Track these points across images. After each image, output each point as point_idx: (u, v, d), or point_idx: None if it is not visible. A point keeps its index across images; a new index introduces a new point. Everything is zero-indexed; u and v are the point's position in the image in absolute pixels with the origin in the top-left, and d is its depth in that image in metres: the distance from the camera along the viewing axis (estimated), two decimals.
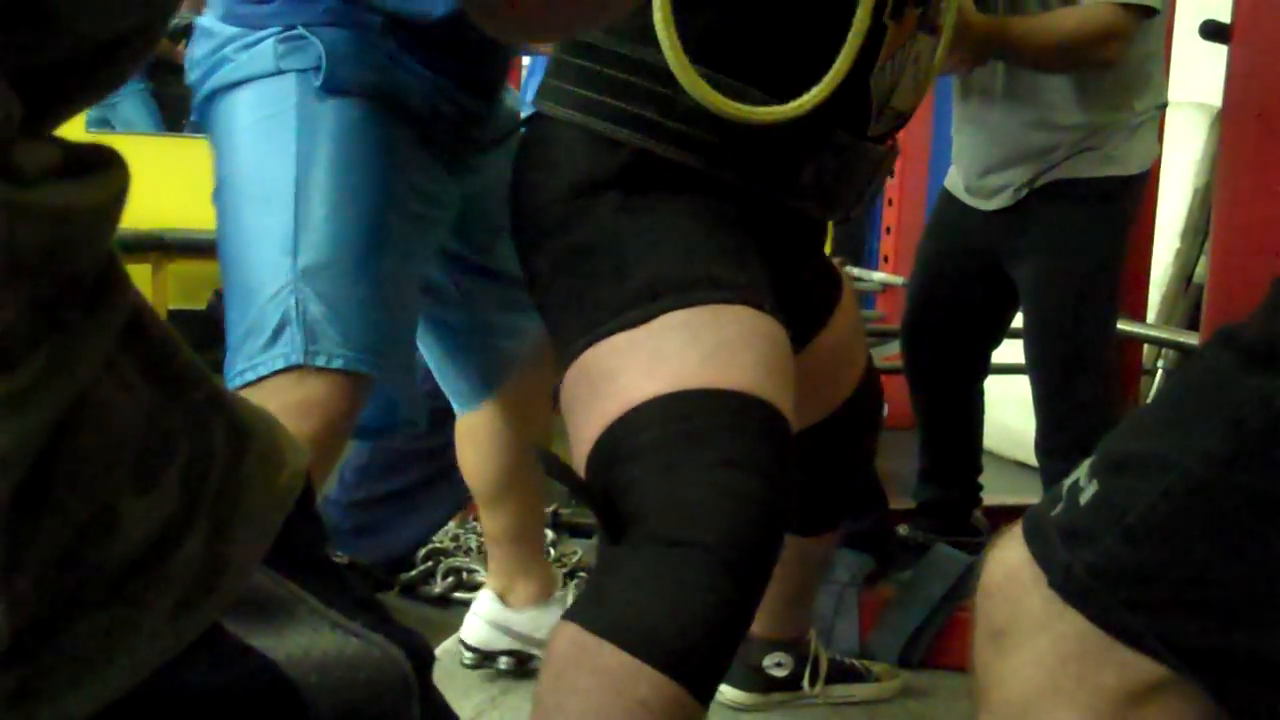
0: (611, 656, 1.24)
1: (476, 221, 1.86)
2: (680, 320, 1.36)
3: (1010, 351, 2.95)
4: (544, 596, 2.24)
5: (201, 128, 1.70)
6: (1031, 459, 2.71)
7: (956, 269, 2.69)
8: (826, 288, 1.80)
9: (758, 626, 2.12)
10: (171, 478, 0.45)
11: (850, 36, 1.40)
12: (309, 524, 0.55)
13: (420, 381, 1.93)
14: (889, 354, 3.34)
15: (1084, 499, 0.86)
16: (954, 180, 2.72)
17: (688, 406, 1.32)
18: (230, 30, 1.64)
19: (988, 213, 2.59)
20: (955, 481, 2.84)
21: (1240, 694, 0.82)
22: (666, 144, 1.46)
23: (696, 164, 1.46)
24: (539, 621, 2.20)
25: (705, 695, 1.28)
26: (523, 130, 1.59)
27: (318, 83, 1.58)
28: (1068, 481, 0.89)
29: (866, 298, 4.63)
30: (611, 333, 1.37)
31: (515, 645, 2.24)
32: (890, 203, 4.41)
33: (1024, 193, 2.52)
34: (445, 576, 2.64)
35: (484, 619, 2.24)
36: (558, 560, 2.73)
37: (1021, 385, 3.90)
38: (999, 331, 2.85)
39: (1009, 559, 0.91)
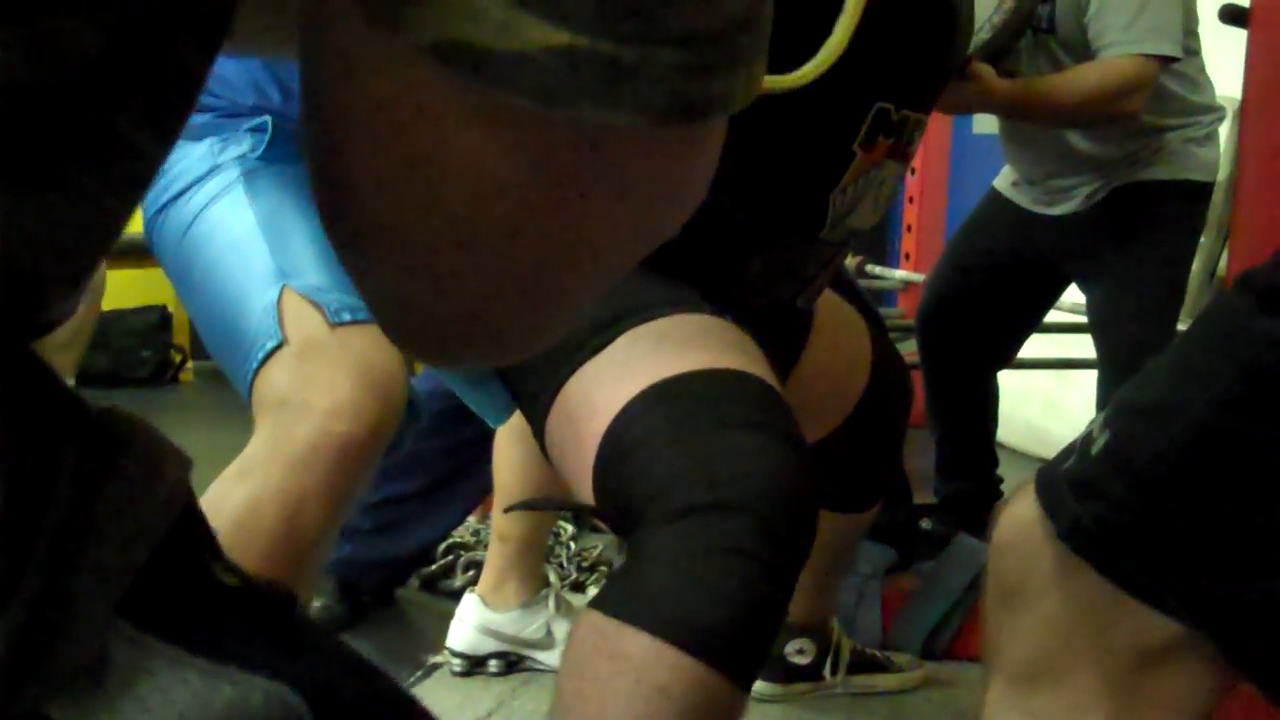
0: (630, 640, 1.16)
1: None
2: (641, 332, 1.33)
3: (1032, 348, 2.94)
4: (529, 597, 2.23)
5: (152, 245, 1.68)
6: (1052, 455, 2.69)
7: (990, 266, 2.68)
8: (790, 331, 1.74)
9: None
10: None
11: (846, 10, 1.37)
12: (188, 545, 0.47)
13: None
14: (910, 351, 3.34)
15: (1095, 449, 0.84)
16: (1006, 182, 2.71)
17: (676, 389, 1.27)
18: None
19: (1048, 216, 2.59)
20: (973, 474, 2.84)
21: (1253, 649, 0.80)
22: None
23: None
24: (523, 622, 2.21)
25: (741, 675, 1.18)
26: None
27: (257, 155, 1.60)
28: (1082, 434, 0.87)
29: (888, 295, 4.62)
30: (578, 366, 1.34)
31: (503, 647, 2.24)
32: (911, 200, 4.40)
33: (1098, 197, 2.52)
34: (465, 570, 2.64)
35: (468, 623, 2.24)
36: (578, 555, 2.73)
37: (1042, 380, 3.89)
38: (1025, 331, 2.85)
39: (1021, 515, 0.88)
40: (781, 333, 1.63)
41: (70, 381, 3.17)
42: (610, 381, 1.31)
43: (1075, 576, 0.84)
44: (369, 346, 1.44)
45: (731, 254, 1.49)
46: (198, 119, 1.65)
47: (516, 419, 2.09)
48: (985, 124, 3.01)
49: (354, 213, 0.42)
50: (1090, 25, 2.37)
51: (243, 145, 1.62)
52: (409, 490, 2.59)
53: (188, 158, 1.62)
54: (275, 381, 1.43)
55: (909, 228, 4.46)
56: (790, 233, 1.50)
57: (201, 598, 0.46)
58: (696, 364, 1.29)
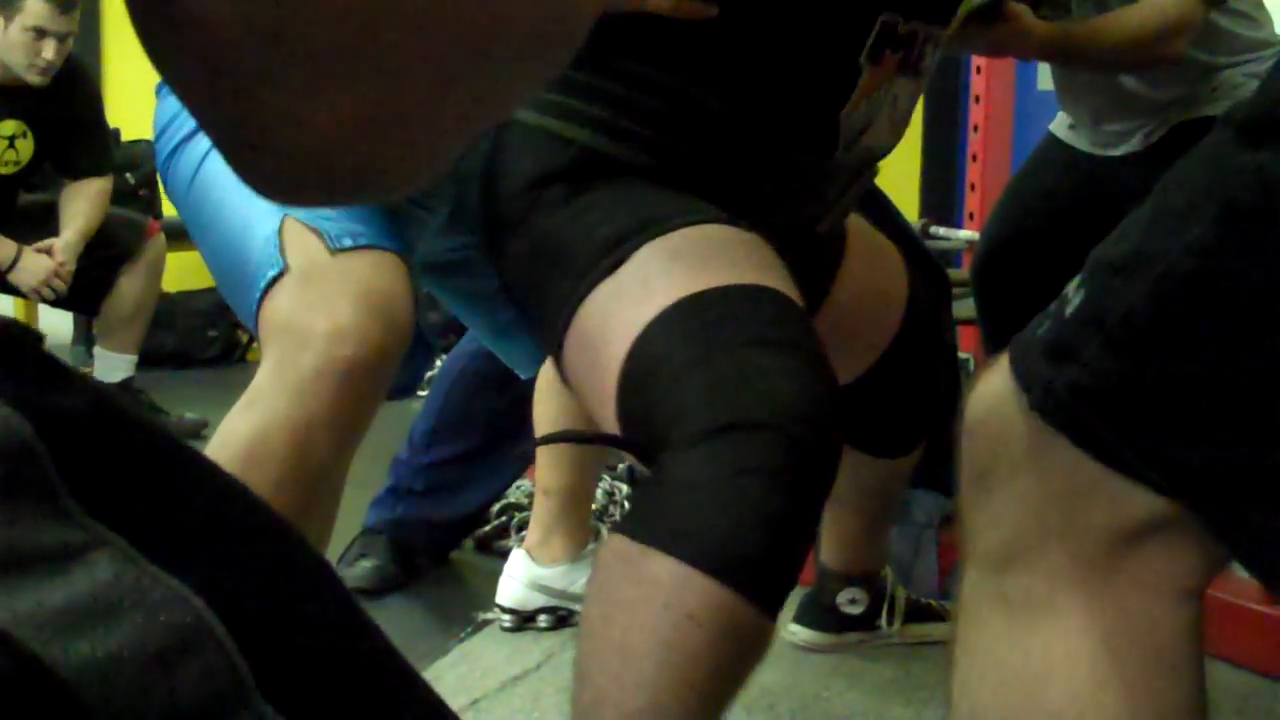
0: (658, 564, 1.13)
1: None
2: (656, 248, 1.30)
3: None
4: (577, 551, 2.21)
5: (167, 191, 1.68)
6: None
7: (1050, 211, 2.61)
8: (821, 253, 1.70)
9: (831, 560, 2.08)
10: None
11: None
12: None
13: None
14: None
15: (1069, 311, 0.78)
16: (1062, 126, 2.64)
17: (695, 308, 1.24)
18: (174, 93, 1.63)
19: (1108, 157, 2.51)
20: None
21: (1233, 520, 0.73)
22: (619, 143, 1.41)
23: (648, 163, 1.41)
24: (572, 576, 2.18)
25: (767, 603, 1.15)
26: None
27: None
28: (1059, 298, 0.81)
29: (954, 256, 4.54)
30: (592, 287, 1.30)
31: (552, 601, 2.22)
32: (974, 158, 4.32)
33: (1156, 136, 2.43)
34: (519, 530, 2.63)
35: (517, 579, 2.23)
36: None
37: None
38: None
39: (992, 391, 0.82)
40: (810, 257, 1.59)
41: (134, 357, 3.21)
42: (627, 303, 1.28)
43: (1049, 451, 0.78)
44: (370, 271, 1.43)
45: (744, 173, 1.45)
46: None
47: (550, 369, 2.08)
48: (1048, 79, 2.94)
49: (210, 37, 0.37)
50: None
51: None
52: (462, 451, 2.58)
53: None
54: (278, 309, 1.42)
55: (972, 186, 4.37)
56: (804, 153, 1.46)
57: None
58: (715, 280, 1.26)
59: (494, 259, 1.50)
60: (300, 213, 1.45)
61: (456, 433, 2.60)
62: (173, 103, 1.64)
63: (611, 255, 1.31)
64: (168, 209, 4.78)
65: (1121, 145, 2.50)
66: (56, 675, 0.39)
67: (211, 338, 4.92)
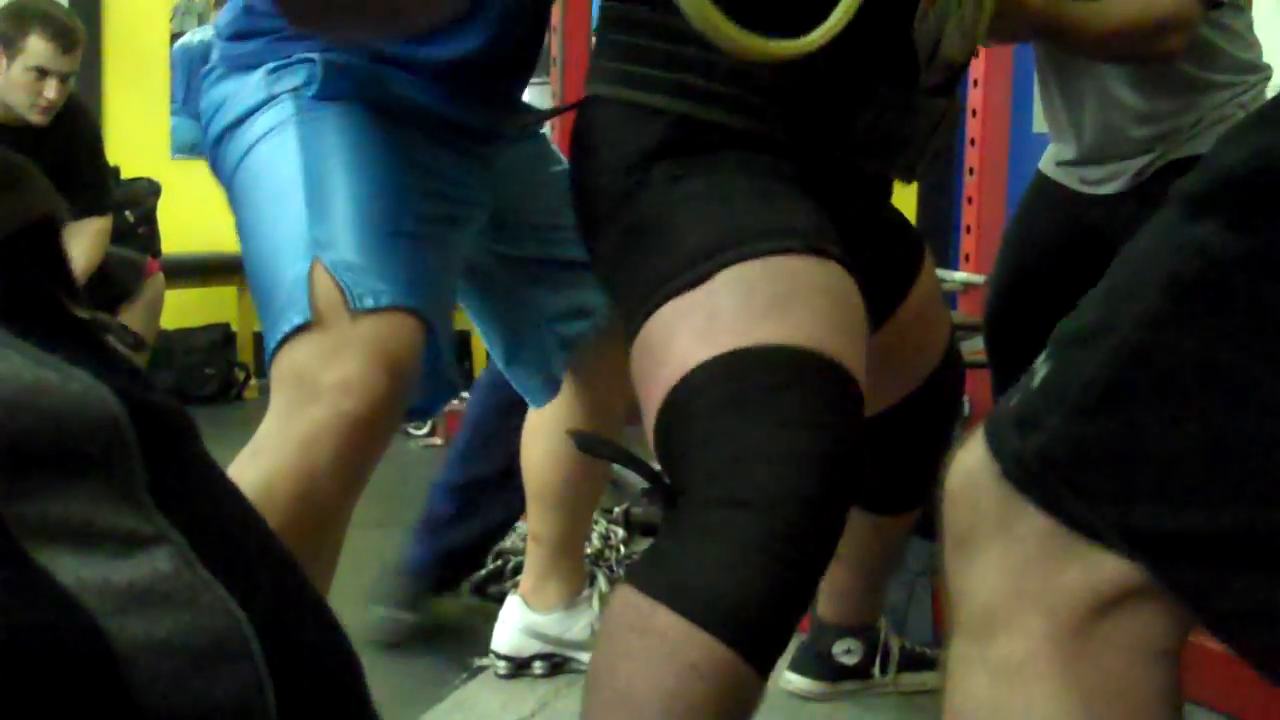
0: (664, 619, 1.20)
1: (518, 213, 1.85)
2: (735, 276, 1.32)
3: None
4: (571, 598, 2.21)
5: (215, 173, 1.71)
6: None
7: (1047, 254, 2.60)
8: (904, 252, 1.75)
9: (828, 612, 2.09)
10: None
11: None
12: (36, 267, 0.50)
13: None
14: (974, 349, 3.29)
15: (1036, 382, 0.81)
16: (1050, 162, 2.63)
17: (744, 366, 1.28)
18: (228, 75, 1.67)
19: (1096, 196, 2.50)
20: None
21: (1195, 581, 0.75)
22: (709, 107, 1.42)
23: (742, 124, 1.43)
24: (567, 623, 2.19)
25: (763, 664, 1.23)
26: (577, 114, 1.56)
27: (310, 93, 1.59)
28: (1028, 371, 0.84)
29: (949, 297, 4.56)
30: (668, 298, 1.34)
31: (547, 648, 2.22)
32: (969, 200, 4.34)
33: (1146, 174, 2.42)
34: (514, 575, 2.63)
35: (512, 625, 2.23)
36: (627, 558, 2.70)
37: None
38: None
39: (968, 460, 0.84)
40: (891, 267, 1.62)
41: None
42: (690, 332, 1.31)
43: (1021, 519, 0.80)
44: (387, 332, 1.46)
45: (835, 114, 1.46)
46: (247, 46, 1.66)
47: (540, 417, 2.07)
48: (1043, 123, 2.95)
49: None
50: None
51: (297, 76, 1.61)
52: (489, 470, 2.54)
53: (244, 87, 1.63)
54: (294, 360, 1.46)
55: (968, 228, 4.40)
56: (887, 80, 1.47)
57: (44, 311, 0.49)
58: (772, 337, 1.28)
59: (588, 233, 1.51)
60: (330, 257, 1.48)
61: (486, 451, 2.55)
62: (224, 87, 1.66)
63: (694, 270, 1.33)
64: (166, 247, 4.81)
65: (1108, 185, 2.50)
66: (112, 647, 0.43)
67: (209, 375, 4.93)
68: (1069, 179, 2.56)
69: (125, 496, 0.47)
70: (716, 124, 1.43)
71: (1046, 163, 2.65)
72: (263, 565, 0.54)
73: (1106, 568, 0.78)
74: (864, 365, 1.33)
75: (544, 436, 2.10)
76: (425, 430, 4.18)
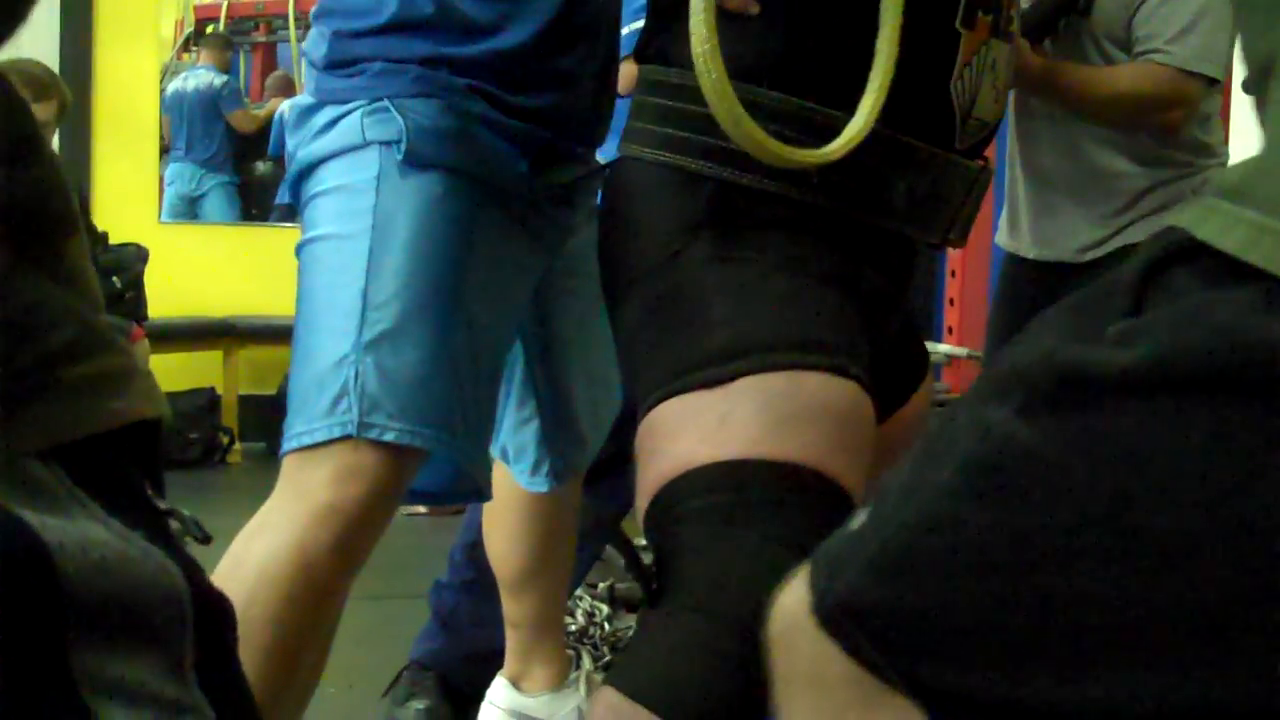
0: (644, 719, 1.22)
1: (564, 290, 1.85)
2: (754, 385, 1.32)
3: None
4: (559, 681, 2.20)
5: (291, 211, 1.71)
6: None
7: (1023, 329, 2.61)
8: (917, 354, 1.76)
9: None
10: None
11: (880, 49, 1.36)
12: (133, 465, 0.56)
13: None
14: None
15: (853, 526, 0.83)
16: (1004, 233, 2.64)
17: (744, 476, 1.29)
18: (322, 107, 1.65)
19: (1043, 261, 2.51)
20: None
21: None
22: (752, 174, 1.41)
23: (783, 191, 1.41)
24: (554, 706, 2.18)
25: None
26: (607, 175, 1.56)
27: (399, 157, 1.58)
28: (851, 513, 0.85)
29: (934, 370, 4.60)
30: (686, 389, 1.33)
31: None
32: (953, 274, 4.39)
33: (1086, 257, 2.44)
34: None
35: (500, 708, 2.21)
36: (611, 636, 2.70)
37: None
38: None
39: (787, 601, 0.86)
40: (905, 366, 1.65)
41: None
42: (697, 431, 1.32)
43: (833, 664, 0.81)
44: (398, 463, 1.53)
45: (874, 176, 1.45)
46: (341, 82, 1.64)
47: (501, 504, 2.04)
48: None
49: None
50: (1137, 27, 2.33)
51: (391, 129, 1.59)
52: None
53: (337, 126, 1.62)
54: (302, 464, 1.51)
55: (951, 301, 4.44)
56: (924, 141, 1.47)
57: (128, 494, 0.55)
58: (777, 453, 1.29)
59: (613, 297, 1.50)
60: (366, 364, 1.51)
61: None
62: (318, 117, 1.64)
63: (714, 369, 1.33)
64: (153, 311, 4.81)
65: (1051, 247, 2.50)
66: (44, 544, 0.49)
67: (193, 439, 4.93)
68: (1022, 246, 2.56)
69: (175, 667, 0.52)
70: (757, 192, 1.41)
71: (1001, 233, 2.65)
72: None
73: (915, 715, 0.78)
74: (863, 482, 1.34)
75: (502, 522, 2.09)
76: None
